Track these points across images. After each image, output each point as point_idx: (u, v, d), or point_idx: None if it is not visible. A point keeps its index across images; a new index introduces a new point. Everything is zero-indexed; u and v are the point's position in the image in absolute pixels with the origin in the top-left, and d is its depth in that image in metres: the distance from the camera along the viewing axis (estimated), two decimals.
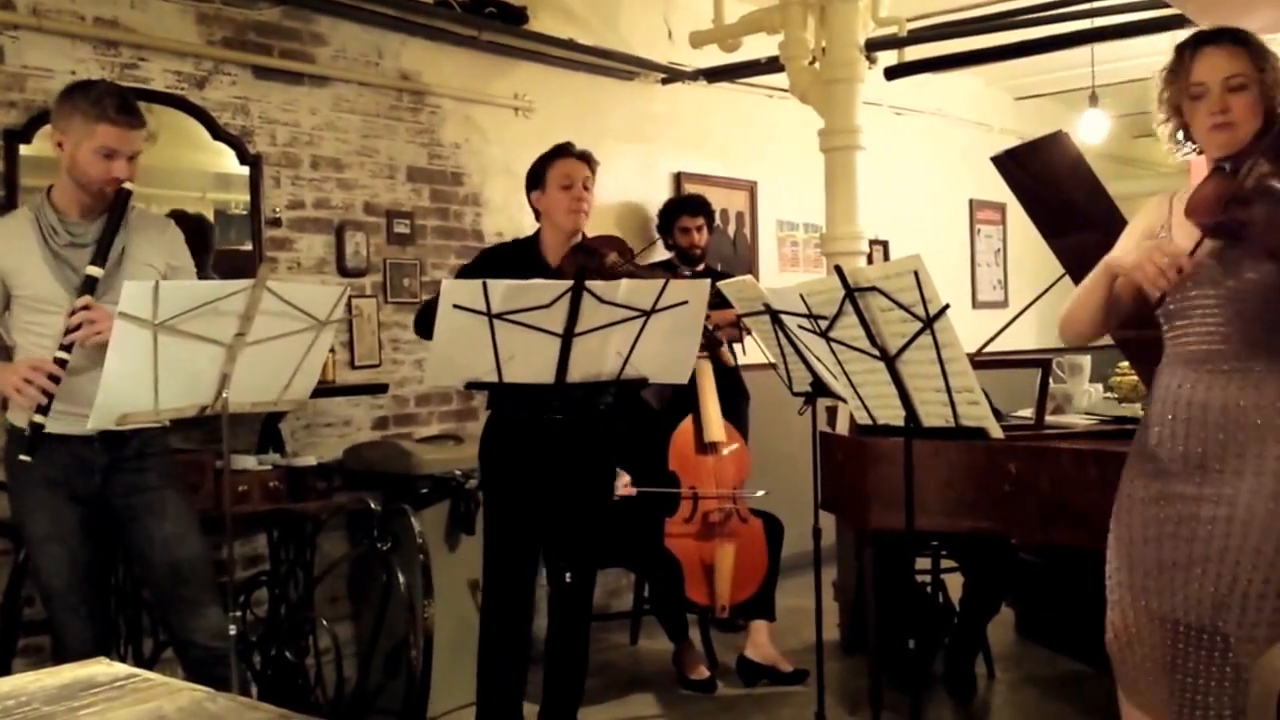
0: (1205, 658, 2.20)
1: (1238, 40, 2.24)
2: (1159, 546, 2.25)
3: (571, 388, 2.78)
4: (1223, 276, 2.21)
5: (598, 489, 3.43)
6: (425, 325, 3.33)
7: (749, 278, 3.13)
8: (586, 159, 3.39)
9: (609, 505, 3.62)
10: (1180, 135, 2.35)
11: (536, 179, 3.40)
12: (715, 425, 4.31)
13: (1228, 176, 2.21)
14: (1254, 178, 2.12)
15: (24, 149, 3.45)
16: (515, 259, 3.34)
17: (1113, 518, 2.38)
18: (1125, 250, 2.37)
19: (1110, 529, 2.38)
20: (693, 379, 4.20)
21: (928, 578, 4.20)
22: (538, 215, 3.43)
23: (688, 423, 4.32)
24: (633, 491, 4.15)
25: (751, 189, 6.04)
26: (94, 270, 2.65)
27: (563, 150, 3.41)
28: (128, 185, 2.72)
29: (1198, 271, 2.20)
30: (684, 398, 4.32)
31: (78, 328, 2.58)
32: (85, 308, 2.59)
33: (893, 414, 2.61)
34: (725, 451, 4.32)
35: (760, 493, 4.31)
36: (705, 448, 4.30)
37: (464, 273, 3.50)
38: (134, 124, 2.71)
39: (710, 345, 4.26)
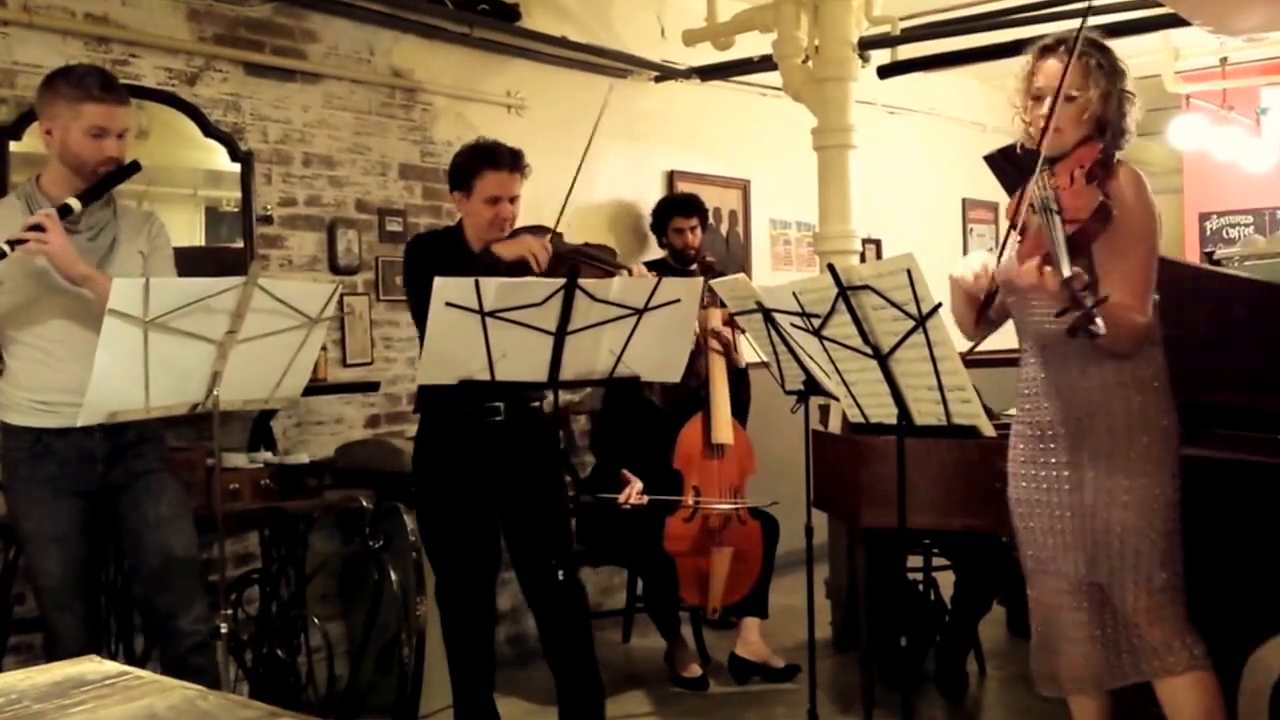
0: (1110, 608, 2.48)
1: (1079, 54, 2.42)
2: (1041, 515, 2.55)
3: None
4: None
5: (546, 488, 3.28)
6: None
7: (742, 276, 3.12)
8: (519, 168, 3.17)
9: (564, 503, 3.52)
10: (1029, 130, 2.56)
11: (462, 181, 3.17)
12: (724, 427, 4.26)
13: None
14: (1038, 186, 2.33)
15: (14, 145, 3.44)
16: (444, 249, 3.17)
17: (1009, 500, 2.65)
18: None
19: (1011, 511, 2.64)
20: (706, 379, 4.21)
21: (919, 575, 4.21)
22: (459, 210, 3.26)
23: (696, 421, 4.28)
24: (644, 501, 4.12)
25: (744, 187, 6.04)
26: (73, 202, 2.64)
27: (495, 159, 3.14)
28: (139, 161, 2.74)
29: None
30: (693, 398, 4.30)
31: (32, 228, 2.55)
32: (46, 218, 2.56)
33: (885, 412, 2.62)
34: (731, 453, 4.29)
35: (771, 502, 4.24)
36: (712, 449, 4.27)
37: (412, 266, 3.28)
38: (119, 100, 2.72)
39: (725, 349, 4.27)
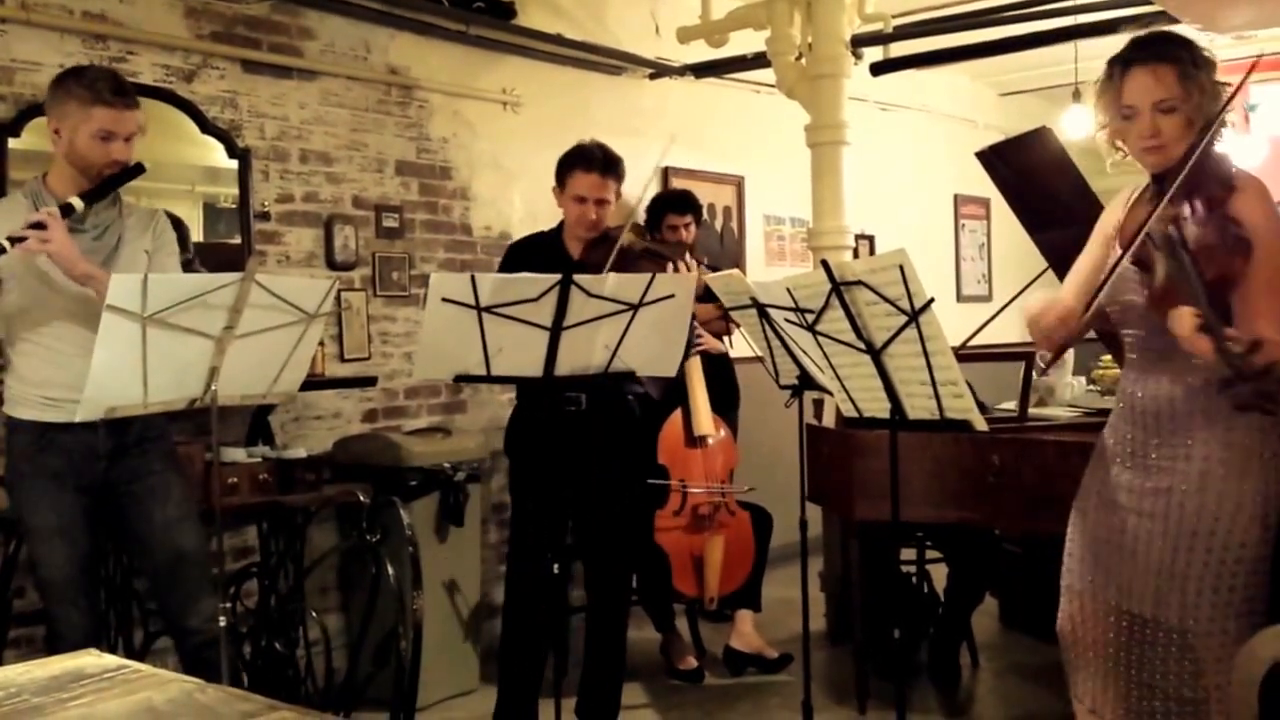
0: (1161, 652, 2.25)
1: (1165, 58, 2.20)
2: (1109, 538, 2.33)
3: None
4: (1147, 281, 2.21)
5: (616, 479, 3.43)
6: None
7: (736, 272, 3.14)
8: (608, 171, 3.29)
9: (643, 496, 3.64)
10: (1119, 144, 2.36)
11: (559, 176, 3.37)
12: (704, 418, 4.31)
13: (1148, 206, 2.21)
14: (1162, 222, 2.07)
15: (13, 142, 3.45)
16: (540, 251, 3.35)
17: (1074, 507, 2.46)
18: (1088, 250, 2.47)
19: (1070, 518, 2.46)
20: (681, 372, 4.23)
21: (913, 568, 4.23)
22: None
23: (676, 416, 4.32)
24: None
25: (739, 184, 6.06)
26: (75, 201, 2.65)
27: (586, 161, 3.30)
28: (143, 163, 2.76)
29: (1127, 279, 2.24)
30: (676, 390, 4.33)
31: (34, 226, 2.55)
32: (49, 216, 2.57)
33: (878, 407, 2.63)
34: (714, 444, 4.34)
35: (747, 488, 4.32)
36: (694, 441, 4.31)
37: (501, 268, 3.46)
38: (129, 105, 2.72)
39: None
